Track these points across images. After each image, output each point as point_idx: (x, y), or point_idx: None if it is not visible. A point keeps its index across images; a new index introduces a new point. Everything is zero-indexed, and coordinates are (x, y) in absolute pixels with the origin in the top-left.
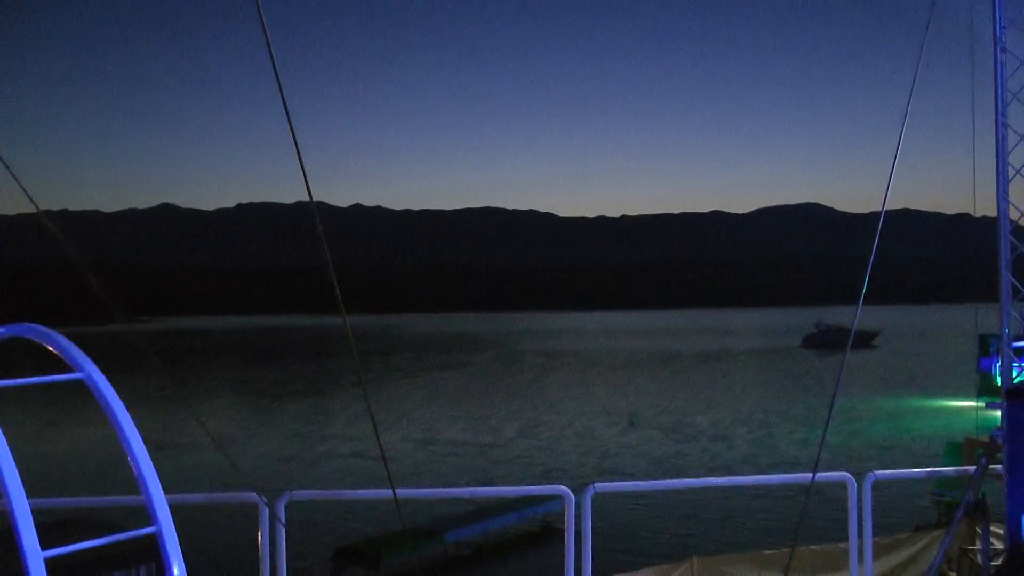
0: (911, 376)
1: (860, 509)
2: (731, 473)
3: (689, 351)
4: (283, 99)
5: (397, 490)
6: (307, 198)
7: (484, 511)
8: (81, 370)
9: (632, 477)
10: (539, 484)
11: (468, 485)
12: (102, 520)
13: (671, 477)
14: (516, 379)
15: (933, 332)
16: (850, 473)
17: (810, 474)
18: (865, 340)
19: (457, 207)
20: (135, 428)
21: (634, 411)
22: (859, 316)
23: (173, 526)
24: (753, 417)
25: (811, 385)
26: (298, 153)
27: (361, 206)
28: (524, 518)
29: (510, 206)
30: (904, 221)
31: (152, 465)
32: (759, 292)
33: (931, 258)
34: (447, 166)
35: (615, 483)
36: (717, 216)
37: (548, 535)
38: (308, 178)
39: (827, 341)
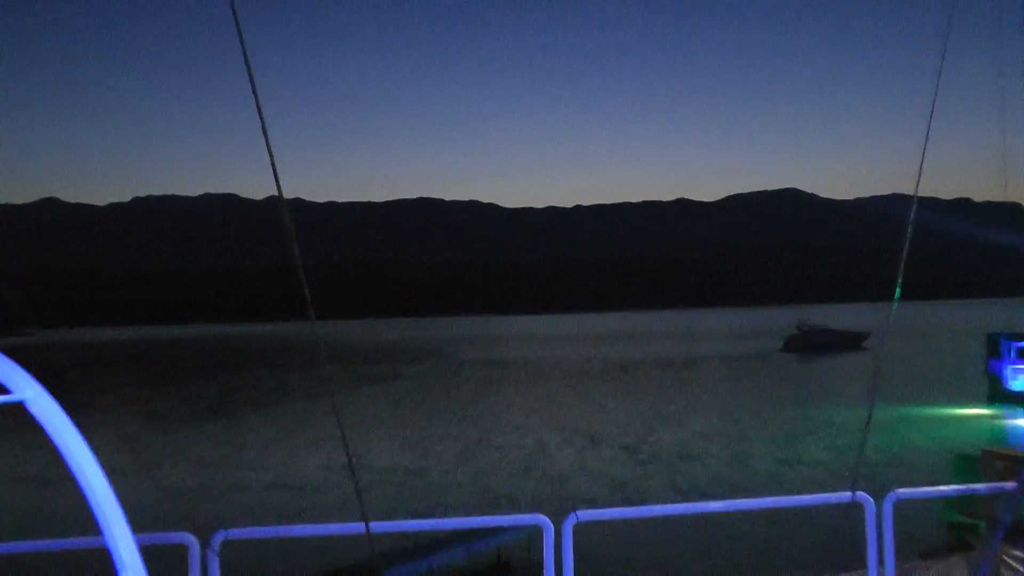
0: (909, 381)
1: (880, 533)
2: (704, 497)
3: (652, 358)
4: (255, 96)
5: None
6: (222, 190)
7: (430, 545)
8: (20, 391)
9: (594, 502)
10: (492, 513)
11: (403, 517)
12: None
13: (637, 502)
14: (457, 393)
15: (932, 332)
16: (866, 493)
17: (824, 495)
18: (854, 342)
19: (387, 198)
20: (93, 458)
21: (591, 428)
22: (894, 313)
23: (146, 573)
24: (727, 433)
25: (793, 395)
26: (269, 150)
27: (277, 198)
28: (475, 551)
29: (448, 196)
30: (894, 206)
31: (117, 502)
32: (731, 290)
33: (927, 249)
34: (376, 151)
35: (598, 511)
36: (682, 204)
37: (503, 570)
38: (219, 168)
39: (811, 344)
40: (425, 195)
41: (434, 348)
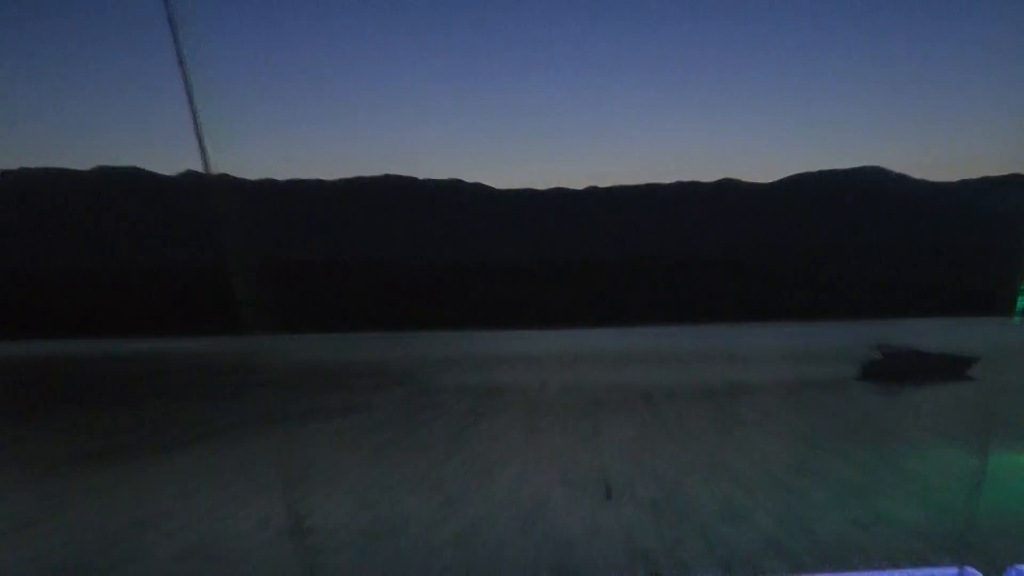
0: None
1: None
2: (755, 571)
3: (688, 387)
4: (177, 45)
5: None
6: (123, 163)
7: None
8: None
9: None
10: None
11: None
12: None
13: None
14: (434, 431)
15: None
16: (976, 568)
17: (919, 570)
18: (957, 369)
19: (343, 176)
20: None
21: (608, 477)
22: (1017, 328)
23: None
24: (785, 486)
25: (873, 438)
26: (193, 112)
27: (197, 174)
28: None
29: (422, 174)
30: (1013, 192)
31: None
32: (792, 299)
33: None
34: (329, 116)
35: None
36: (729, 187)
37: None
38: (118, 135)
39: (897, 371)
40: (392, 172)
41: (405, 371)
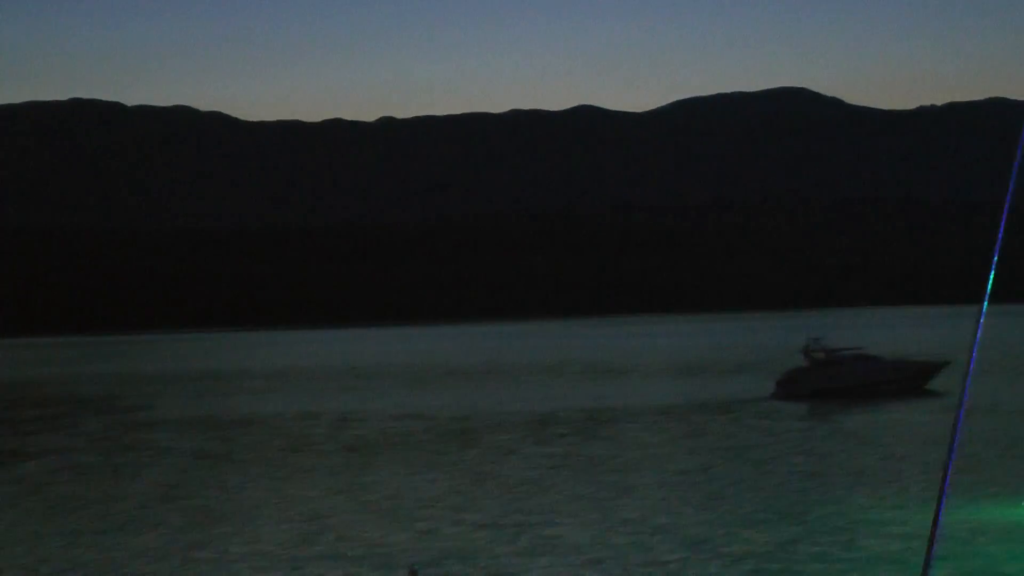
0: (1016, 460)
1: None
2: None
3: (523, 414)
4: None
5: None
6: None
7: None
8: None
9: None
10: None
11: None
12: None
13: None
14: (144, 486)
15: None
16: None
17: None
18: (914, 380)
19: (19, 99)
20: None
21: (409, 555)
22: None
23: None
24: (663, 558)
25: (791, 488)
26: None
27: None
28: None
29: (133, 99)
30: (993, 118)
31: None
32: (678, 280)
33: None
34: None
35: None
36: (590, 117)
37: None
38: None
39: (831, 384)
40: (84, 95)
41: (105, 395)
